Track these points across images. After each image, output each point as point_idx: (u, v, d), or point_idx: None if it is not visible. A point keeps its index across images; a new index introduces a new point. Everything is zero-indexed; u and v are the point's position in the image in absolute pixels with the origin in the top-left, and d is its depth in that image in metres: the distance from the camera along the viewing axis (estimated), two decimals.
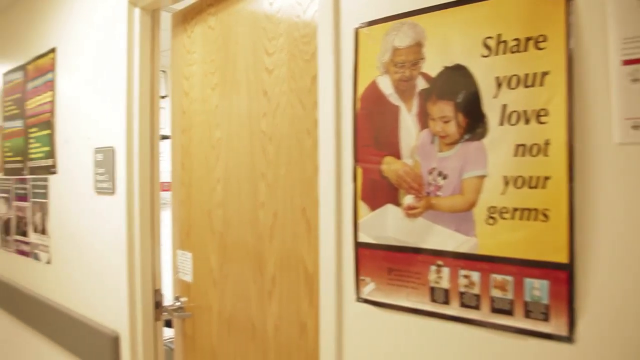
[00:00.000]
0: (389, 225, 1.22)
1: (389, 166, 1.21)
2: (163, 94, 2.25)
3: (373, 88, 1.25)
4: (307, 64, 1.51)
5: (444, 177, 1.12)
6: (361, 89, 1.27)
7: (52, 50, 2.82)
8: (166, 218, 2.23)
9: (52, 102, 2.82)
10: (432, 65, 1.13)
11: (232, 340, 1.84)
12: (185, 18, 2.05)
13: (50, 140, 2.83)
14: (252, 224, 1.72)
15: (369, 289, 1.26)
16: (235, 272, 1.81)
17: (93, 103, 2.44)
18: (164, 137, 2.29)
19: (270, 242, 1.65)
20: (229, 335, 1.86)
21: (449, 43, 1.10)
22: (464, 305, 1.09)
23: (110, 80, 2.29)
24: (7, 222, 3.39)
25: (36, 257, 3.02)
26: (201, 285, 1.99)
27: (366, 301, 1.27)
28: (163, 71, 2.18)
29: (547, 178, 0.97)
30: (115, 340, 2.27)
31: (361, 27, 1.28)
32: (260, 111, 1.68)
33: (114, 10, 2.25)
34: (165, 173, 2.26)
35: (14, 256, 3.26)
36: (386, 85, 1.22)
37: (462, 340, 1.11)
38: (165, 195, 2.36)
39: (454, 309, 1.11)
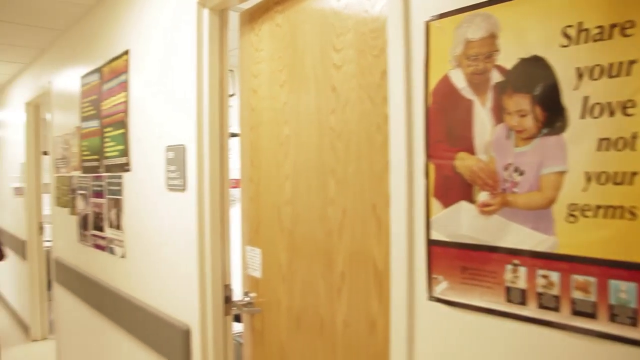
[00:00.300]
0: (463, 222, 1.18)
1: (463, 162, 1.18)
2: (231, 93, 2.28)
3: (445, 82, 1.22)
4: (376, 59, 1.50)
5: (521, 173, 1.08)
6: (432, 84, 1.24)
7: (126, 53, 2.91)
8: (235, 214, 2.26)
9: (125, 102, 2.91)
10: (507, 57, 1.09)
11: (301, 336, 1.85)
12: (253, 17, 2.07)
13: (124, 139, 2.93)
14: (321, 221, 1.72)
15: (441, 288, 1.24)
16: (304, 268, 1.82)
17: (164, 102, 2.51)
18: (233, 135, 2.32)
19: (340, 238, 1.64)
20: (298, 331, 1.87)
21: (525, 33, 1.06)
22: (542, 306, 1.05)
23: (181, 80, 2.34)
24: (85, 218, 3.54)
25: (112, 252, 3.13)
26: (270, 281, 2.00)
27: (438, 300, 1.25)
28: (230, 70, 2.21)
29: (634, 174, 0.92)
30: (186, 334, 2.33)
31: (432, 20, 1.25)
32: (328, 107, 1.67)
33: (183, 11, 2.30)
34: (234, 170, 2.30)
35: (91, 250, 3.40)
36: (459, 79, 1.19)
37: (539, 343, 1.07)
38: (234, 192, 2.39)
39: (531, 310, 1.07)
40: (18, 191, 5.75)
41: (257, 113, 2.04)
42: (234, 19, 2.22)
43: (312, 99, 1.75)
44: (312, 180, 1.75)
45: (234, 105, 2.36)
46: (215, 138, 2.20)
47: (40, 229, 5.33)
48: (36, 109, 5.41)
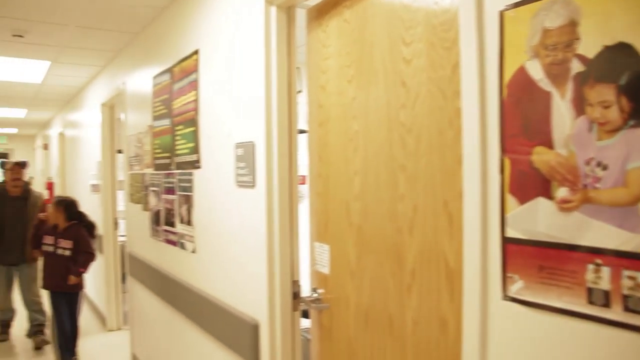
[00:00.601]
0: (540, 219, 1.14)
1: (540, 157, 1.13)
2: (298, 89, 2.29)
3: (521, 74, 1.17)
4: (448, 51, 1.46)
5: (604, 168, 1.02)
6: (508, 76, 1.20)
7: (195, 52, 2.97)
8: (303, 211, 2.27)
9: (195, 100, 2.98)
10: (589, 46, 1.04)
11: (369, 333, 1.84)
12: (320, 13, 2.06)
13: (194, 137, 2.99)
14: (391, 217, 1.69)
15: (516, 287, 1.19)
16: (372, 265, 1.80)
17: (233, 100, 2.54)
18: (301, 132, 2.33)
19: (410, 235, 1.62)
20: (366, 328, 1.85)
21: (609, 19, 1.00)
22: (628, 309, 0.99)
23: (249, 78, 2.37)
24: (157, 214, 3.64)
25: (182, 247, 3.21)
26: (338, 277, 2.00)
27: (513, 300, 1.20)
28: (297, 67, 2.22)
29: None
30: (255, 329, 2.36)
31: (506, 9, 1.20)
32: (398, 102, 1.65)
33: (251, 9, 2.32)
34: (302, 166, 2.31)
35: (163, 245, 3.50)
36: (536, 70, 1.14)
37: (624, 348, 1.01)
38: (302, 189, 2.40)
39: (615, 313, 1.01)
40: (94, 188, 5.99)
41: (325, 109, 2.03)
42: (301, 15, 2.23)
43: (381, 93, 1.73)
44: (382, 176, 1.73)
45: (301, 102, 2.37)
46: (284, 135, 2.21)
47: (115, 224, 5.53)
48: (111, 109, 5.61)
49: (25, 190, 5.13)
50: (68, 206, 4.28)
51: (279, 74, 2.21)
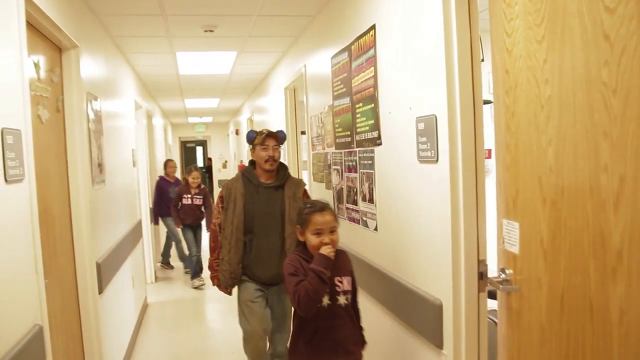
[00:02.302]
0: None
1: None
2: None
3: None
4: None
5: None
6: None
7: (372, 28, 2.93)
8: (490, 186, 2.14)
9: (374, 77, 2.95)
10: None
11: (565, 320, 1.66)
12: None
13: (374, 114, 2.97)
14: (592, 191, 1.50)
15: None
16: (569, 244, 1.62)
17: (412, 73, 2.46)
18: (485, 102, 2.18)
19: (615, 211, 1.42)
20: (561, 314, 1.68)
21: None
22: None
23: (428, 48, 2.28)
24: (339, 192, 3.70)
25: (365, 225, 3.22)
26: (529, 257, 1.84)
27: None
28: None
29: None
30: (438, 309, 2.28)
31: None
32: (599, 60, 1.44)
33: None
34: (487, 139, 2.17)
35: (347, 223, 3.55)
36: None
37: None
38: (488, 163, 2.26)
39: None
40: None
41: (512, 75, 1.86)
42: None
43: (577, 52, 1.53)
44: (580, 145, 1.54)
45: (482, 72, 2.22)
46: (468, 106, 2.09)
47: None
48: (292, 92, 5.84)
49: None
50: None
51: (460, 41, 2.09)
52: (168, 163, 8.27)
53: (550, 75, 1.66)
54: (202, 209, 7.26)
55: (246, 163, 3.92)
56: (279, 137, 3.52)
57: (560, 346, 1.68)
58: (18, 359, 1.86)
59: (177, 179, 8.18)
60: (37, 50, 2.69)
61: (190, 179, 7.10)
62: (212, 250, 3.55)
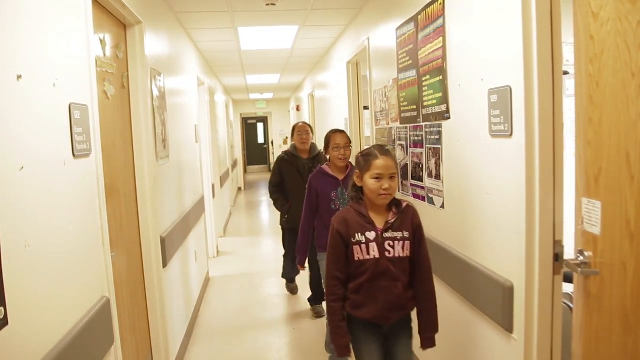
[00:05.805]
0: None
1: None
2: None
3: None
4: None
5: None
6: None
7: None
8: (567, 162, 2.00)
9: (442, 47, 2.82)
10: None
11: None
12: None
13: (442, 86, 2.85)
14: None
15: None
16: None
17: (485, 42, 2.33)
18: (564, 73, 2.04)
19: None
20: None
21: None
22: None
23: (505, 13, 2.14)
24: (404, 168, 3.61)
25: (431, 201, 3.13)
26: (612, 239, 1.71)
27: None
28: None
29: None
30: (509, 290, 2.18)
31: None
32: None
33: None
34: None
35: (411, 199, 3.45)
36: None
37: None
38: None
39: None
40: None
41: (598, 41, 1.71)
42: None
43: None
44: None
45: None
46: (546, 76, 1.95)
47: None
48: (356, 66, 5.72)
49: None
50: None
51: (538, 7, 1.94)
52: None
53: None
54: None
55: None
56: None
57: None
58: (86, 330, 1.89)
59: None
60: (103, 27, 2.70)
61: None
62: None
